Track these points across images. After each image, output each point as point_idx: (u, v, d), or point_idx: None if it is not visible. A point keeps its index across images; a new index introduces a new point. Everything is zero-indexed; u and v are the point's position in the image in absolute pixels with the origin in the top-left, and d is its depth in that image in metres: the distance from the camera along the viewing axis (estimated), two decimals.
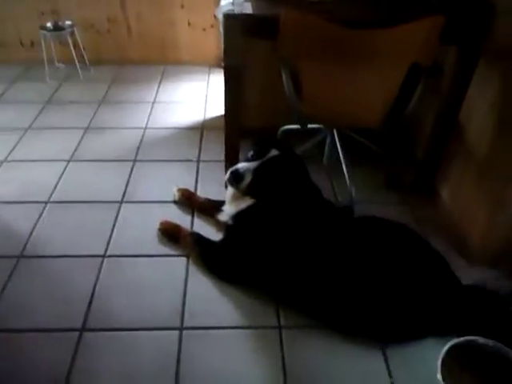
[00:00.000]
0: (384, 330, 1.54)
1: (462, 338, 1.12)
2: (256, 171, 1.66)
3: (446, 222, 2.01)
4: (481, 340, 1.12)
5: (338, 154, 2.14)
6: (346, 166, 2.09)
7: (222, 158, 2.24)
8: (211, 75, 3.43)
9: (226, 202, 1.84)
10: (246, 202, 1.73)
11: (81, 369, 1.44)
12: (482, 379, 1.09)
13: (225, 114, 2.07)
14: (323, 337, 1.55)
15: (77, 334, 1.53)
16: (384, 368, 1.46)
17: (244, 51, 1.86)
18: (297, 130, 2.28)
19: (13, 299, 1.65)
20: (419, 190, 2.19)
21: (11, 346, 1.50)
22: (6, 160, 2.39)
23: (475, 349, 1.12)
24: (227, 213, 1.81)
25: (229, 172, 1.69)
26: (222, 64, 1.95)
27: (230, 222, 1.78)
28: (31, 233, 1.93)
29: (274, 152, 1.70)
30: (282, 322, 1.60)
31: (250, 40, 2.04)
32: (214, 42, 3.46)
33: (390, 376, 1.43)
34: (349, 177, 2.06)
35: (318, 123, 2.16)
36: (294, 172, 1.72)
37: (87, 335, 1.53)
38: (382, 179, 2.29)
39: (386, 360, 1.48)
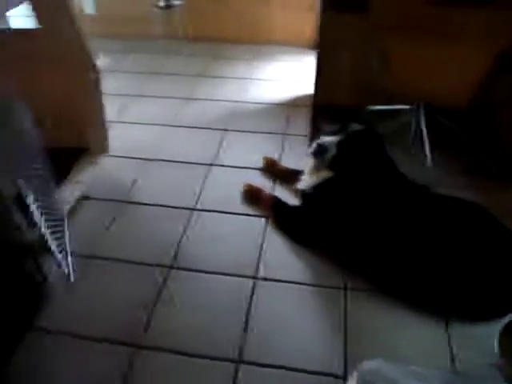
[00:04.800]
0: (450, 307, 1.57)
1: None
2: (340, 145, 1.75)
3: None
4: None
5: (422, 135, 2.15)
6: (430, 147, 2.10)
7: (306, 133, 2.36)
8: (304, 56, 3.53)
9: (306, 173, 1.96)
10: (326, 174, 1.83)
11: (165, 299, 1.66)
12: None
13: (314, 91, 2.19)
14: (386, 303, 1.63)
15: (165, 269, 1.77)
16: (445, 342, 1.50)
17: (336, 32, 1.94)
18: (383, 110, 2.32)
19: (116, 235, 1.92)
20: (501, 177, 2.14)
21: (109, 273, 1.76)
22: (115, 121, 2.70)
23: None
24: (306, 183, 1.92)
25: (315, 144, 1.79)
26: (316, 44, 2.06)
27: (308, 191, 1.89)
28: (132, 183, 2.21)
29: (355, 127, 1.78)
30: (348, 284, 1.70)
31: (343, 20, 2.12)
32: (309, 23, 3.55)
33: (451, 350, 1.48)
34: (431, 158, 2.07)
35: (404, 101, 2.19)
36: (375, 147, 1.79)
37: (173, 272, 1.76)
38: (463, 163, 2.26)
39: (447, 334, 1.52)
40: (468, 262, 1.53)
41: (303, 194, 1.92)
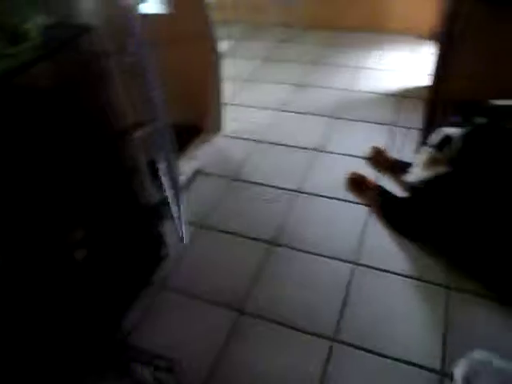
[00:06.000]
0: None
1: None
2: (466, 138, 1.65)
3: None
4: None
5: None
6: None
7: (416, 125, 2.29)
8: (420, 46, 3.39)
9: (417, 165, 1.89)
10: (442, 169, 1.72)
11: (267, 272, 1.76)
12: None
13: (433, 82, 2.09)
14: (493, 309, 1.56)
15: (268, 245, 1.86)
16: None
17: (468, 23, 1.85)
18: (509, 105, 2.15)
19: (224, 208, 2.06)
20: None
21: (217, 242, 1.90)
22: (229, 103, 2.83)
23: None
24: (417, 176, 1.85)
25: (438, 135, 1.72)
26: (436, 32, 1.97)
27: (419, 185, 1.82)
28: (242, 162, 2.33)
29: (480, 120, 1.67)
30: (451, 283, 1.65)
31: (480, 10, 2.00)
32: (429, 12, 3.38)
33: None
34: None
35: None
36: (504, 143, 1.66)
37: (276, 249, 1.85)
38: None
39: None
40: None
41: (413, 187, 1.87)
